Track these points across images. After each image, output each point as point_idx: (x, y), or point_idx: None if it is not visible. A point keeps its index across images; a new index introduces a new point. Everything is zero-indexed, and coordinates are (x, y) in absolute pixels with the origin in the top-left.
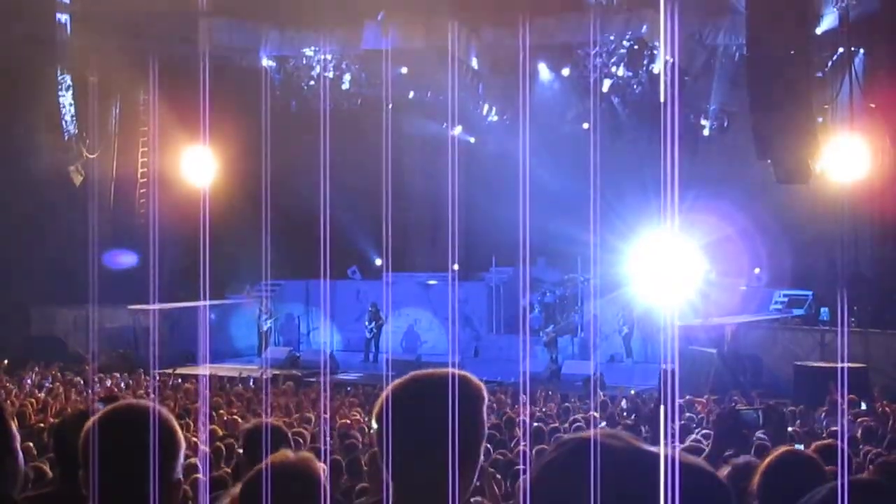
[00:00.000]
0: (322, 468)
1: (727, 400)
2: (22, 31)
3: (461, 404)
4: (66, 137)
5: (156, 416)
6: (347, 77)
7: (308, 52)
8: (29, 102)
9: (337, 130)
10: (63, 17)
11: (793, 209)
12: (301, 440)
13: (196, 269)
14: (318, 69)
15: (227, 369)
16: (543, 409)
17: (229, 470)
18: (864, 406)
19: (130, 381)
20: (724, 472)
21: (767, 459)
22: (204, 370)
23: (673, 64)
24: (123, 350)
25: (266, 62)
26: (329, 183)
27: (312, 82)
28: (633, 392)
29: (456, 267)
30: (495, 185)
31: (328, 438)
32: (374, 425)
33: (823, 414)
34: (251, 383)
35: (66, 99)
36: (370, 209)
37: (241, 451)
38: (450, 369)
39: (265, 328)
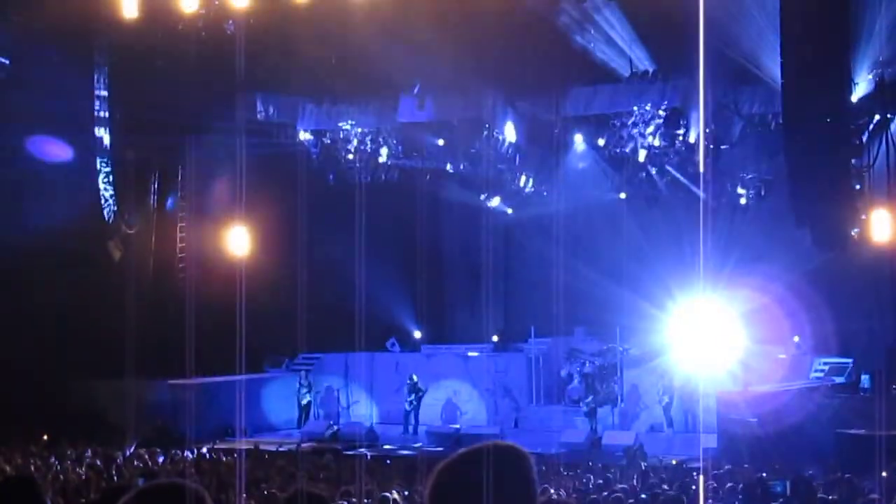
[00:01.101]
0: None
1: (761, 470)
2: None
3: (509, 473)
4: (107, 216)
5: (192, 494)
6: (384, 150)
7: (345, 125)
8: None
9: (374, 203)
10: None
11: (832, 276)
12: None
13: (233, 341)
14: (355, 142)
15: (265, 442)
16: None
17: None
18: None
19: (168, 457)
20: None
21: None
22: (242, 444)
23: (708, 133)
24: (161, 423)
25: (303, 136)
26: (367, 255)
27: (350, 155)
28: (674, 462)
29: (496, 338)
30: (533, 255)
31: None
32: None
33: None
34: (291, 455)
35: (103, 180)
36: (408, 281)
37: None
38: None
39: (305, 401)
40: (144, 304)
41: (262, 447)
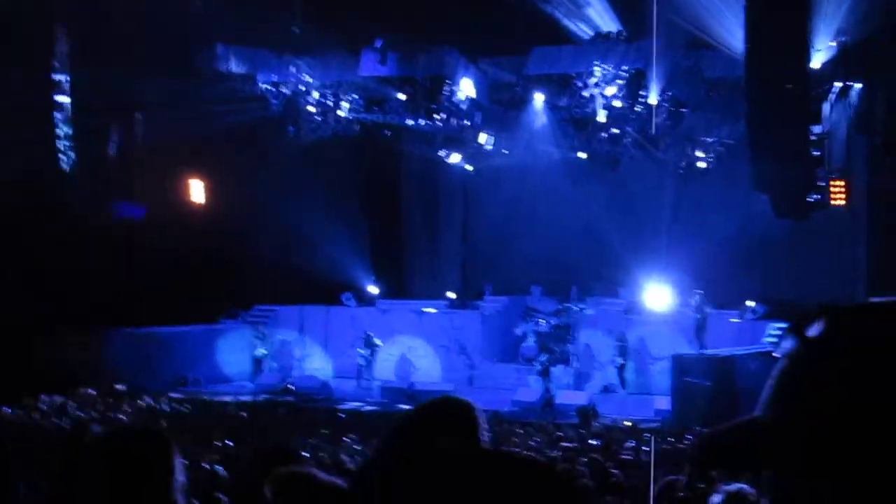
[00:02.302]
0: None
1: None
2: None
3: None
4: (65, 166)
5: (151, 438)
6: (345, 104)
7: (307, 77)
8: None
9: (334, 157)
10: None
11: (788, 242)
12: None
13: (189, 292)
14: (315, 95)
15: (219, 394)
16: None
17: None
18: None
19: (122, 405)
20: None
21: None
22: (198, 395)
23: (670, 96)
24: (117, 372)
25: (263, 87)
26: (325, 209)
27: (310, 108)
28: (628, 423)
29: (452, 295)
30: (492, 214)
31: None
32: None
33: None
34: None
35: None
36: (366, 235)
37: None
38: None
39: (259, 354)
40: (101, 254)
41: (216, 398)
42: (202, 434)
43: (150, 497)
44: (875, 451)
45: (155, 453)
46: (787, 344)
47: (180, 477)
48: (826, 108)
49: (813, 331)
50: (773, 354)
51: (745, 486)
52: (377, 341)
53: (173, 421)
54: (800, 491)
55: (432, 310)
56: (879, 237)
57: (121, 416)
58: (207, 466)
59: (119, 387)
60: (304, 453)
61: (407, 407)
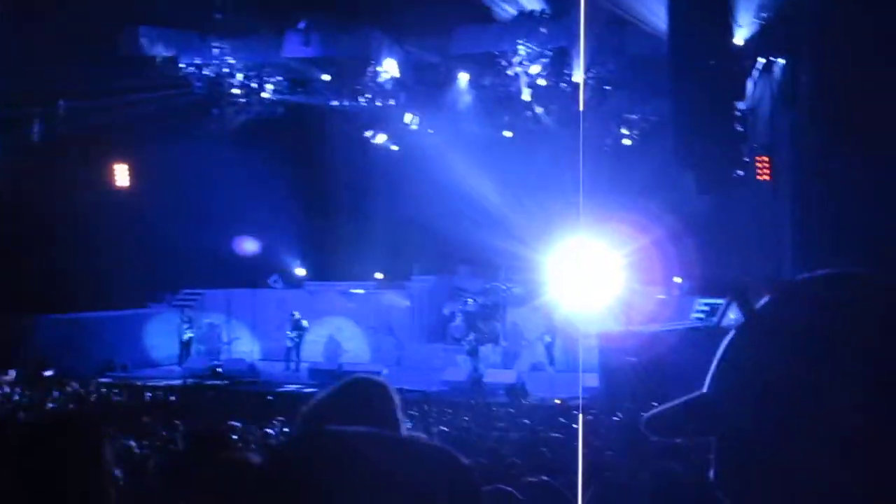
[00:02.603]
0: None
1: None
2: None
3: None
4: None
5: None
6: (269, 86)
7: (230, 59)
8: None
9: (259, 139)
10: None
11: (713, 218)
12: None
13: (115, 276)
14: (239, 77)
15: (147, 378)
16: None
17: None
18: None
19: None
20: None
21: None
22: (126, 380)
23: (593, 74)
24: (41, 359)
25: (186, 70)
26: (250, 191)
27: (235, 90)
28: (557, 401)
29: (379, 276)
30: (418, 193)
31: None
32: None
33: None
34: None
35: None
36: (292, 217)
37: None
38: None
39: (186, 337)
40: (25, 238)
41: (145, 383)
42: (131, 419)
43: (80, 484)
44: (823, 422)
45: (84, 439)
46: (736, 317)
47: (111, 463)
48: (750, 84)
49: (761, 304)
50: (721, 326)
51: (673, 464)
52: (304, 323)
53: (102, 406)
54: (745, 463)
55: (360, 290)
56: (803, 212)
57: (49, 403)
58: (138, 451)
59: (46, 373)
60: (233, 436)
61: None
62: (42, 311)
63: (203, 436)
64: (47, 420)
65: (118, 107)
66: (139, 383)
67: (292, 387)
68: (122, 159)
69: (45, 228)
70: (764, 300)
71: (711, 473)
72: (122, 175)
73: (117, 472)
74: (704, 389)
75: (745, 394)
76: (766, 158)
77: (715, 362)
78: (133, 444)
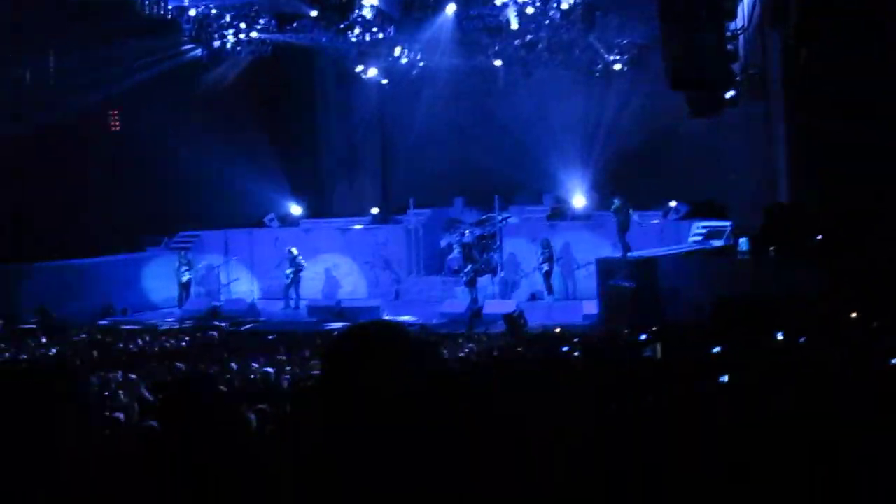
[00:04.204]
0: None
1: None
2: None
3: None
4: None
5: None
6: (258, 25)
7: None
8: None
9: (250, 79)
10: None
11: (707, 141)
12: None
13: (111, 219)
14: (227, 18)
15: (146, 322)
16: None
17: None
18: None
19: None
20: None
21: None
22: (125, 324)
23: None
24: (41, 306)
25: (175, 11)
26: (243, 131)
27: (224, 31)
28: (557, 330)
29: (375, 210)
30: (410, 126)
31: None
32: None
33: None
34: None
35: None
36: (286, 156)
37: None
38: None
39: (184, 279)
40: (21, 182)
41: (145, 326)
42: (133, 362)
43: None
44: None
45: (64, 386)
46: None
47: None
48: (741, 3)
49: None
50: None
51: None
52: (301, 260)
53: (103, 351)
54: None
55: (358, 226)
56: (796, 132)
57: (50, 351)
58: (148, 395)
59: (44, 320)
60: (227, 377)
61: (335, 325)
62: (38, 258)
63: (187, 379)
64: (25, 368)
65: (110, 53)
66: (139, 327)
67: (291, 325)
68: (114, 103)
69: (39, 171)
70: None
71: None
72: (114, 118)
73: (119, 416)
74: None
75: None
76: (757, 77)
77: None
78: (143, 387)
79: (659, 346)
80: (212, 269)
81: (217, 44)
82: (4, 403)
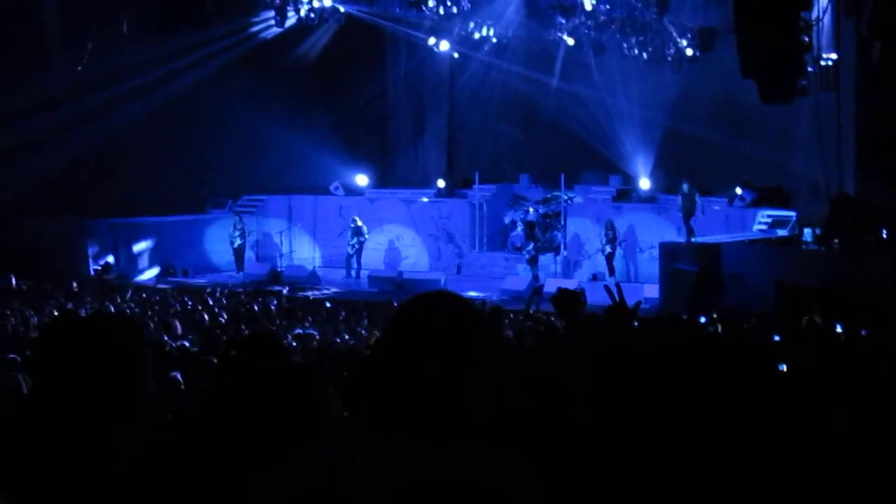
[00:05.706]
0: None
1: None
2: None
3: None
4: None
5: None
6: None
7: None
8: None
9: (324, 48)
10: None
11: (777, 129)
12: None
13: (175, 181)
14: None
15: (207, 284)
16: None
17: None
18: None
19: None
20: None
21: None
22: (186, 283)
23: None
24: (105, 264)
25: None
26: (313, 99)
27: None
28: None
29: (440, 183)
30: (480, 101)
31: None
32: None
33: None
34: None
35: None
36: (354, 125)
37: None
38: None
39: (236, 245)
40: (87, 142)
41: (205, 288)
42: (191, 322)
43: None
44: None
45: (125, 338)
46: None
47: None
48: None
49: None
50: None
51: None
52: (364, 230)
53: (163, 309)
54: None
55: (424, 199)
56: (867, 122)
57: (109, 305)
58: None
59: (107, 277)
60: (289, 340)
61: (395, 297)
62: (103, 215)
63: (252, 339)
64: (88, 318)
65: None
66: (200, 288)
67: (352, 293)
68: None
69: (108, 130)
70: None
71: None
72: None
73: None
74: None
75: None
76: (830, 67)
77: None
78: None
79: (720, 328)
80: (270, 236)
81: (292, 12)
82: (99, 347)
